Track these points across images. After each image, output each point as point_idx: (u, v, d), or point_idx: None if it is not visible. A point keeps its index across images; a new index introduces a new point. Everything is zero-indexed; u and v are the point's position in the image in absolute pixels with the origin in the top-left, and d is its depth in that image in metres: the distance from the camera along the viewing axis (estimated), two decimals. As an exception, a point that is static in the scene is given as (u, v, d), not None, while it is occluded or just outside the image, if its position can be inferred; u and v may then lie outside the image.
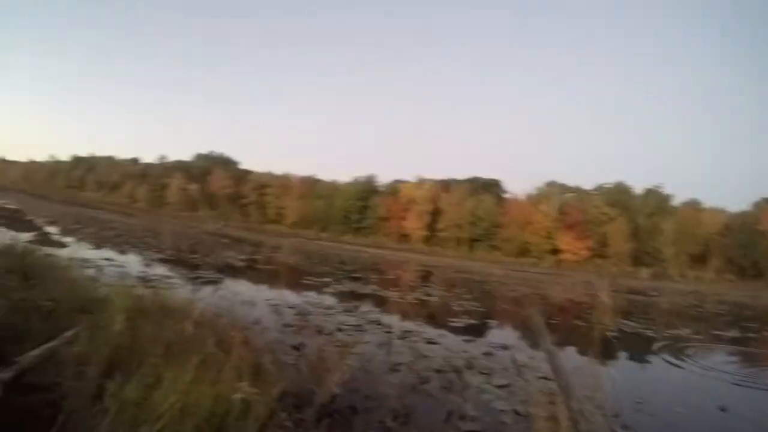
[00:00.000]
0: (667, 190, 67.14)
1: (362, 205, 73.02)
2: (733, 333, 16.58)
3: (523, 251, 62.31)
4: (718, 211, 66.84)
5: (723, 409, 6.93)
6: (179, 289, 10.40)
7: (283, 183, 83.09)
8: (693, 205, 67.42)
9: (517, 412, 5.69)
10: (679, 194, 67.39)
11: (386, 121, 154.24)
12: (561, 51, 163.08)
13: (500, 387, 6.73)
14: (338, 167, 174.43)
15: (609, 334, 13.89)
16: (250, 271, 18.68)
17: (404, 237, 67.97)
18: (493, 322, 13.69)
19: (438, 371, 6.88)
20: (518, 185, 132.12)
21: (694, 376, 9.84)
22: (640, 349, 12.51)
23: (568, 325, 14.31)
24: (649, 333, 14.78)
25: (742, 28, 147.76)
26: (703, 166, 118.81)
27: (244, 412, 3.34)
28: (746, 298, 35.80)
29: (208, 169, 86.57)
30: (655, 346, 12.72)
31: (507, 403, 6.04)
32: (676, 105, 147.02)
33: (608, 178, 75.63)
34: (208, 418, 3.14)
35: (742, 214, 64.82)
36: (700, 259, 60.76)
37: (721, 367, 10.97)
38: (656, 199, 66.15)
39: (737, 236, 61.21)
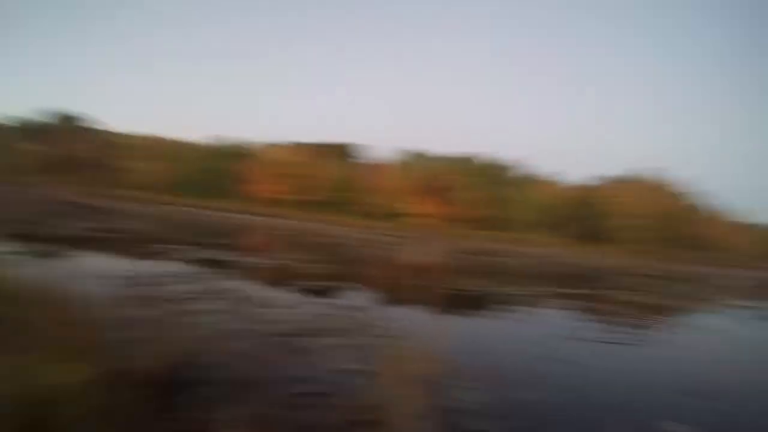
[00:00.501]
0: (527, 163, 73.08)
1: (227, 168, 69.68)
2: (571, 290, 18.63)
3: (385, 216, 63.37)
4: (566, 184, 74.07)
5: (545, 356, 7.80)
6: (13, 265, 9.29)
7: (148, 145, 76.89)
8: (549, 177, 74.01)
9: (362, 371, 5.70)
10: (539, 168, 74.10)
11: (255, 80, 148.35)
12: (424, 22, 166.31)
13: (347, 347, 6.82)
14: (207, 129, 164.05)
15: (461, 293, 14.76)
16: (101, 241, 17.25)
17: (270, 201, 66.03)
18: (347, 285, 13.81)
19: (286, 335, 6.83)
20: (383, 151, 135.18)
21: (534, 328, 11.02)
22: (486, 305, 13.58)
23: (421, 285, 15.00)
24: (497, 291, 16.07)
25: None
26: (558, 142, 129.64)
27: (67, 396, 3.08)
28: (591, 262, 39.93)
29: (62, 128, 76.89)
30: (500, 302, 13.95)
31: (354, 363, 6.09)
32: (532, 77, 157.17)
33: (473, 149, 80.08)
34: (23, 406, 2.89)
35: (587, 188, 72.78)
36: (552, 227, 66.80)
37: (559, 321, 12.42)
38: (513, 171, 71.29)
39: (585, 208, 68.91)
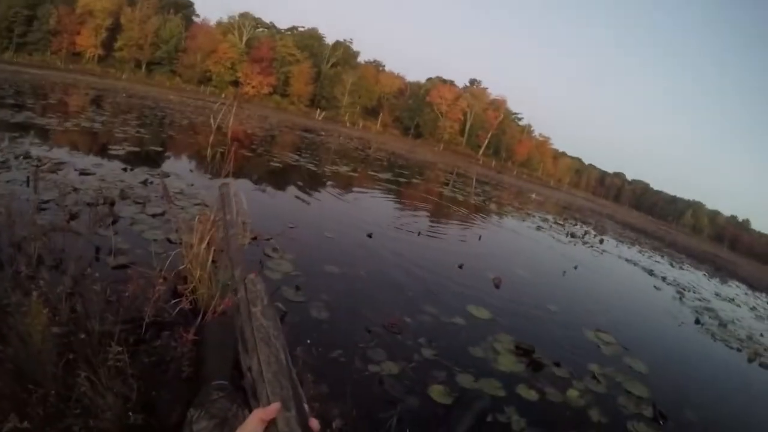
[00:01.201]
0: (355, 47, 71.47)
1: (28, 14, 55.74)
2: (386, 176, 19.41)
3: (205, 80, 58.71)
4: (396, 76, 75.12)
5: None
6: None
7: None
8: (375, 65, 73.96)
9: (169, 240, 5.45)
10: (365, 53, 73.19)
11: None
12: None
13: (154, 216, 6.35)
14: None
15: (276, 165, 14.76)
16: None
17: (76, 56, 55.72)
18: (159, 150, 12.81)
19: (90, 204, 5.99)
20: (211, 11, 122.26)
21: (349, 206, 11.43)
22: (303, 179, 13.56)
23: (238, 155, 14.39)
24: (312, 166, 16.10)
25: None
26: (389, 36, 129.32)
27: None
28: (403, 150, 42.09)
29: None
30: (314, 179, 14.03)
31: (160, 232, 5.73)
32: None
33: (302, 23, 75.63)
34: None
35: (416, 84, 74.88)
36: (371, 113, 68.25)
37: (367, 200, 12.96)
38: (343, 52, 69.54)
39: (408, 101, 71.23)
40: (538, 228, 16.96)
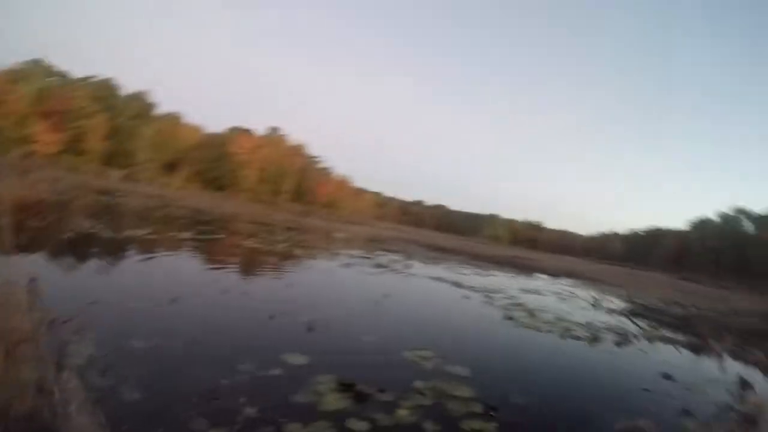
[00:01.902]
0: (152, 97, 67.57)
1: None
2: (188, 234, 18.33)
3: None
4: (195, 128, 72.63)
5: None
6: None
7: None
8: (173, 117, 70.65)
9: None
10: (163, 104, 69.49)
11: None
12: None
13: None
14: None
15: (68, 235, 12.97)
16: None
17: None
18: None
19: None
20: None
21: (151, 270, 10.28)
22: (98, 247, 12.15)
23: (26, 225, 12.35)
24: (109, 234, 14.50)
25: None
26: (185, 84, 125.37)
27: None
28: (205, 205, 40.24)
29: None
30: (112, 244, 12.62)
31: None
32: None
33: (96, 71, 69.62)
34: None
35: (216, 135, 73.14)
36: (171, 168, 64.57)
37: (170, 263, 11.93)
38: (140, 104, 65.26)
39: (208, 152, 69.05)
40: (346, 265, 17.21)
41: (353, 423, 4.34)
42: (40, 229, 12.76)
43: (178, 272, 11.02)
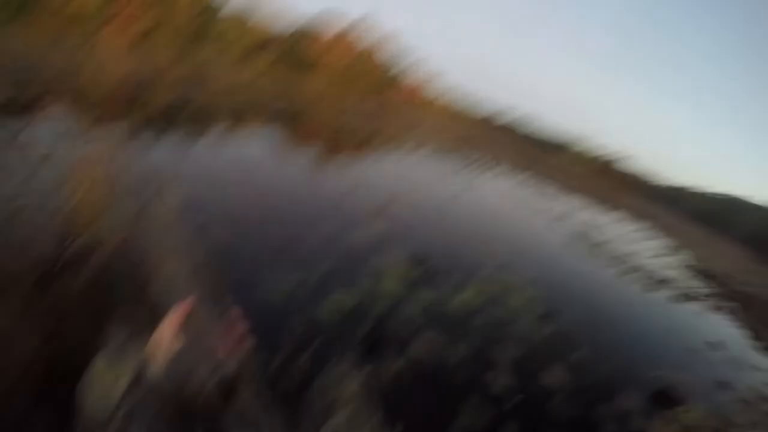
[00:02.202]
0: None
1: None
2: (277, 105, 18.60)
3: (72, 23, 50.55)
4: (284, 12, 71.95)
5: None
6: None
7: None
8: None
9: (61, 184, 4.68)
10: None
11: None
12: None
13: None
14: None
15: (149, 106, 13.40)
16: None
17: None
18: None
19: None
20: None
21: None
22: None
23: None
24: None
25: None
26: None
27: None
28: (291, 84, 40.15)
29: None
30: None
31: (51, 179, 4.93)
32: None
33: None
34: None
35: (308, 18, 72.21)
36: (259, 49, 64.71)
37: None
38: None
39: (295, 35, 68.31)
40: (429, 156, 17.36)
41: (421, 292, 4.56)
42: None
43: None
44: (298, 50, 66.30)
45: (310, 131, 17.18)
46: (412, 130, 35.48)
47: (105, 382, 1.55)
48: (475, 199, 12.52)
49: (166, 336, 0.71)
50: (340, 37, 68.19)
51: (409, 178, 12.97)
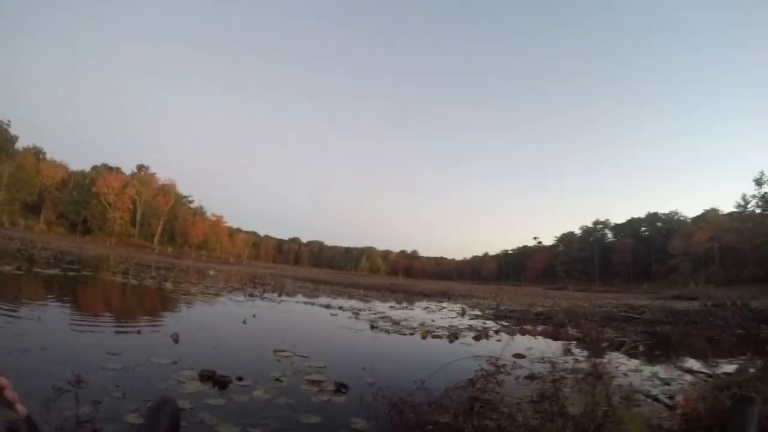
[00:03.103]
0: (12, 130, 61.52)
1: None
2: (53, 271, 17.65)
3: None
4: (59, 164, 67.31)
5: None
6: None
7: None
8: (35, 152, 65.02)
9: None
10: (23, 138, 63.57)
11: None
12: None
13: None
14: None
15: None
16: None
17: None
18: None
19: None
20: None
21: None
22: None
23: None
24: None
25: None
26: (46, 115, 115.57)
27: None
28: (72, 247, 37.82)
29: None
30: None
31: None
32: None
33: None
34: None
35: (81, 174, 68.10)
36: (33, 210, 59.30)
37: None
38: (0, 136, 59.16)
39: (72, 193, 64.04)
40: (216, 295, 17.48)
41: (212, 399, 4.84)
42: None
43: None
44: (80, 207, 62.49)
45: (97, 297, 16.28)
46: (206, 271, 35.44)
47: None
48: (267, 316, 12.97)
49: None
50: (124, 189, 66.37)
51: (199, 311, 13.01)
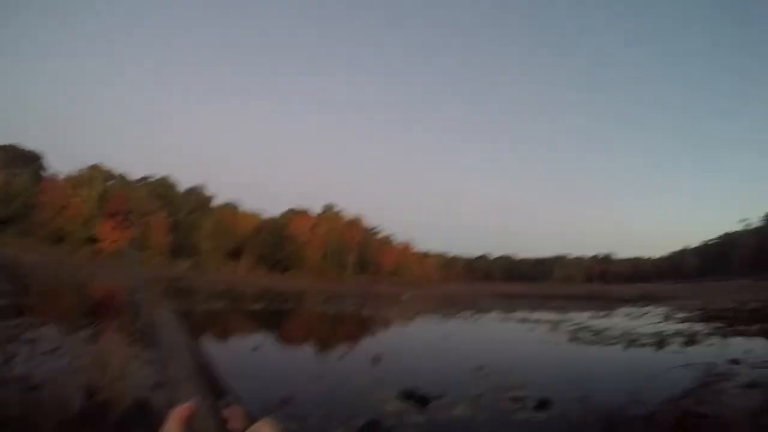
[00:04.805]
0: (208, 190, 71.86)
1: None
2: (259, 305, 19.52)
3: (59, 238, 53.72)
4: (253, 214, 76.17)
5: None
6: None
7: None
8: (231, 207, 74.57)
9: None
10: (219, 196, 73.68)
11: None
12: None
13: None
14: None
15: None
16: None
17: None
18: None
19: None
20: (61, 162, 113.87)
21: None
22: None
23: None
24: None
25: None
26: (239, 175, 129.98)
27: None
28: (272, 284, 41.99)
29: None
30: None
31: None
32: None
33: (154, 171, 75.34)
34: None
35: (273, 220, 76.27)
36: (235, 254, 67.49)
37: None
38: (197, 198, 69.14)
39: (267, 237, 71.88)
40: (412, 317, 18.24)
41: (412, 417, 4.98)
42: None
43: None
44: (276, 249, 69.67)
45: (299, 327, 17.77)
46: (401, 296, 36.62)
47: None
48: (465, 339, 12.94)
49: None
50: (314, 228, 72.54)
51: (405, 335, 13.53)
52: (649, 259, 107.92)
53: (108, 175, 63.08)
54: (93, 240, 55.12)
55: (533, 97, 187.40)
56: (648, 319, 16.93)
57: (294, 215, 75.84)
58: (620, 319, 17.04)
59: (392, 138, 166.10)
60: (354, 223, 79.15)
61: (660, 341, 10.90)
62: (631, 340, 11.16)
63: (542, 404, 5.50)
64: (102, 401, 3.95)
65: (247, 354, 8.43)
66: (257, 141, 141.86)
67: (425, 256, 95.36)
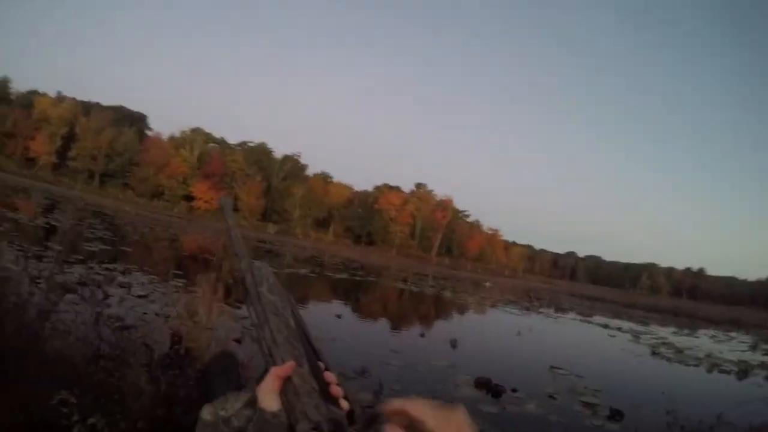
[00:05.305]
0: (303, 160, 74.30)
1: None
2: (342, 275, 20.26)
3: (157, 194, 58.53)
4: (345, 186, 77.97)
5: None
6: None
7: None
8: (323, 177, 76.71)
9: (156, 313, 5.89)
10: (313, 166, 75.93)
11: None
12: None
13: (139, 297, 7.10)
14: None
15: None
16: None
17: (30, 161, 54.34)
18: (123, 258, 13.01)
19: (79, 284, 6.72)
20: (164, 124, 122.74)
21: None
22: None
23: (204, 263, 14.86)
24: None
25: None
26: (335, 147, 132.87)
27: None
28: (356, 256, 43.14)
29: None
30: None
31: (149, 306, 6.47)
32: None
33: (250, 137, 78.88)
34: None
35: (364, 193, 77.65)
36: (322, 224, 69.75)
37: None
38: (292, 165, 71.44)
39: (357, 210, 73.45)
40: (492, 306, 18.09)
41: (485, 406, 5.14)
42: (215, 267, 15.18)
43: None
44: (364, 222, 71.30)
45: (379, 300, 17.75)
46: (482, 283, 36.34)
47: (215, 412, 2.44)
48: (544, 336, 12.82)
49: (269, 387, 0.57)
50: (404, 205, 73.29)
51: (480, 321, 13.66)
52: (745, 281, 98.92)
53: (208, 138, 67.16)
54: (189, 198, 59.41)
55: (639, 97, 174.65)
56: (734, 345, 16.12)
57: (385, 190, 76.72)
58: (705, 340, 16.33)
59: (499, 130, 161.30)
60: (443, 204, 78.74)
61: (743, 370, 10.37)
62: (714, 364, 10.69)
63: (615, 414, 5.54)
64: (187, 349, 4.44)
65: (330, 320, 8.80)
66: (357, 117, 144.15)
67: (511, 245, 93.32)
